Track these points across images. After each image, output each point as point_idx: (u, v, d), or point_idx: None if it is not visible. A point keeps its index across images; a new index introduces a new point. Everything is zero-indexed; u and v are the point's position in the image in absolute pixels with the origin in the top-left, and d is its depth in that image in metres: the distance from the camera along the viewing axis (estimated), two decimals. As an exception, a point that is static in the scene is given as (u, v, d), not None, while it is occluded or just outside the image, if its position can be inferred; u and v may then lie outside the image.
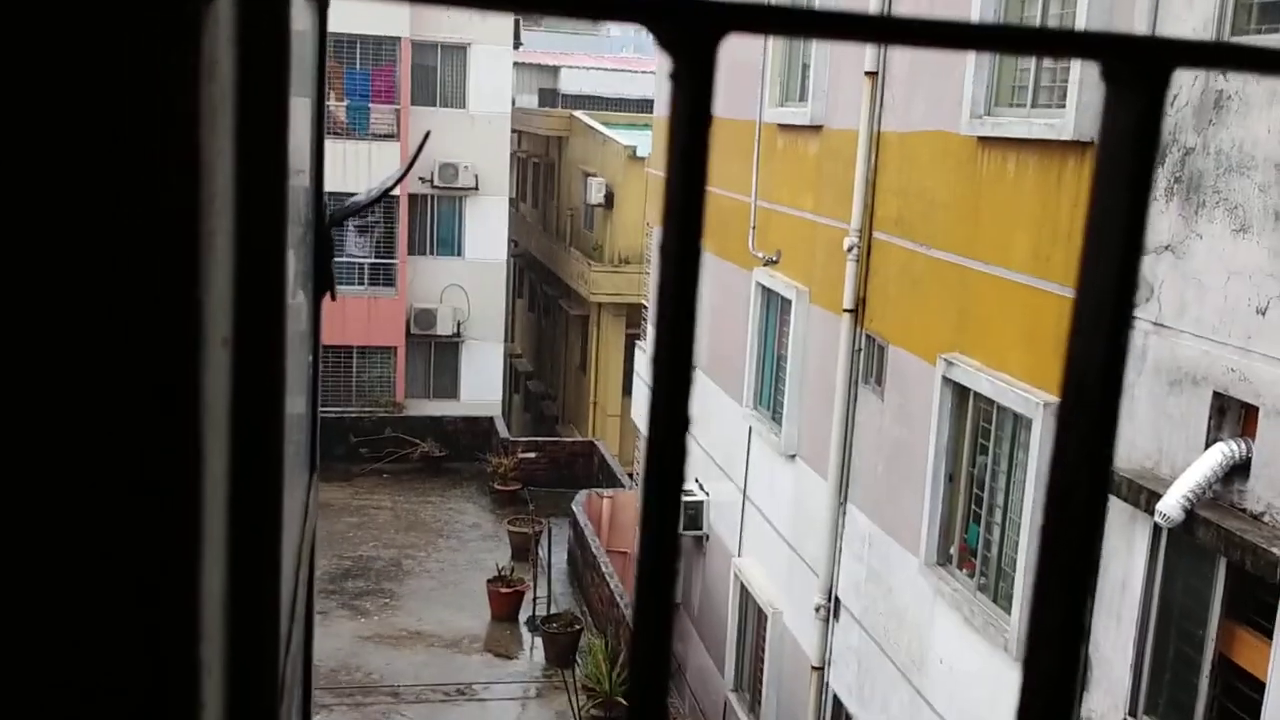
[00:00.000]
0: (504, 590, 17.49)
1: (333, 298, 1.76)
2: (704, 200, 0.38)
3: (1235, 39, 6.19)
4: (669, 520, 0.41)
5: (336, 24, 23.94)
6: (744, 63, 13.28)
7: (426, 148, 27.94)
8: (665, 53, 0.37)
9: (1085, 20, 7.25)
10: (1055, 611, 0.45)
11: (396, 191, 25.13)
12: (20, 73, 0.45)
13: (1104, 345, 0.43)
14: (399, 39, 25.15)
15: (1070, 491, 0.45)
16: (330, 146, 25.95)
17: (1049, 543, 0.45)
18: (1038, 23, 8.08)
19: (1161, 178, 6.63)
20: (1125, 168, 0.42)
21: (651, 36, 0.37)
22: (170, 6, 0.46)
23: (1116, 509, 6.89)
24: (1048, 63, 8.02)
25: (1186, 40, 0.44)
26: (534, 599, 17.26)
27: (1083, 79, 7.27)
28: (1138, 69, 0.42)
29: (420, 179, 25.70)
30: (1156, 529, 6.49)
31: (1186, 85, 6.41)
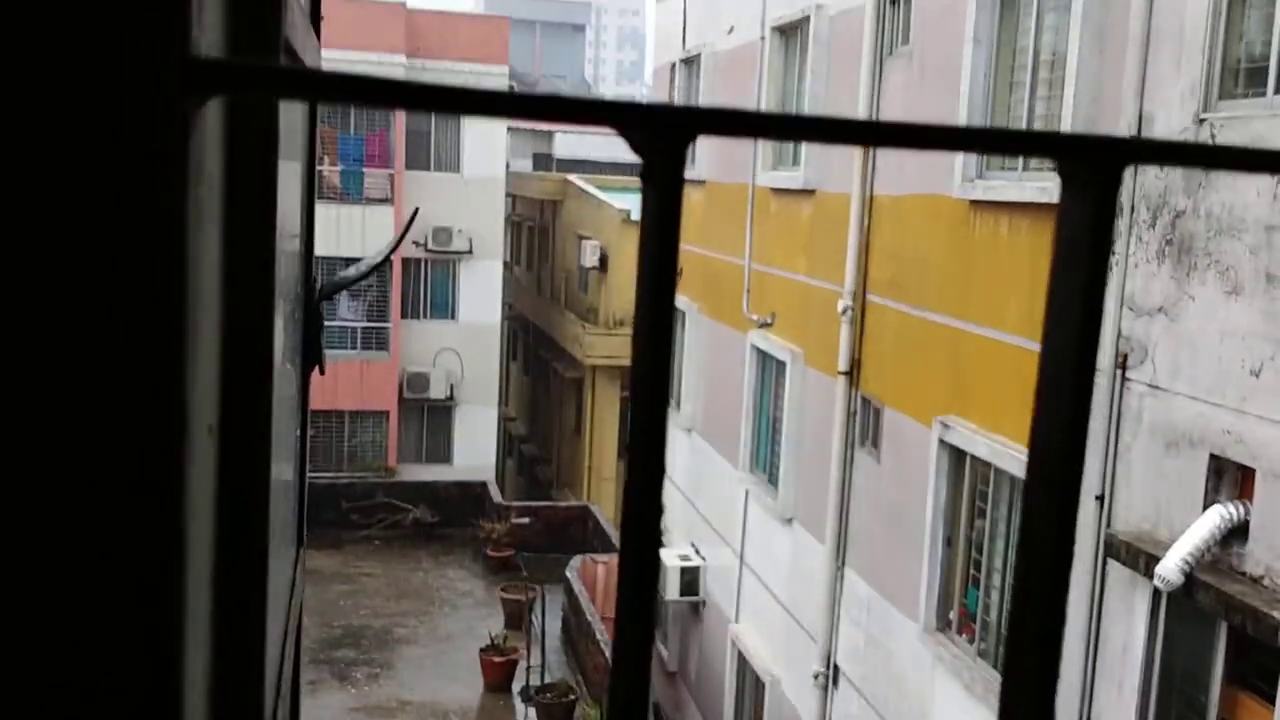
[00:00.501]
0: (497, 659, 17.26)
1: (321, 371, 1.75)
2: (674, 288, 0.40)
3: (1223, 103, 6.26)
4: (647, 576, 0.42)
5: (333, 91, 24.16)
6: (736, 128, 13.41)
7: (421, 212, 28.11)
8: (636, 154, 0.39)
9: (1074, 86, 7.34)
10: (1031, 660, 0.47)
11: (392, 257, 25.24)
12: (13, 168, 0.46)
13: (1063, 439, 0.45)
14: (394, 106, 25.40)
15: (1039, 547, 0.47)
16: (324, 211, 26.15)
17: (1022, 596, 0.47)
18: (1027, 89, 8.18)
19: (1153, 240, 6.67)
20: (1081, 262, 0.44)
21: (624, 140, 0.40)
22: (161, 111, 0.47)
23: (1116, 572, 6.82)
24: (1039, 126, 8.11)
25: (1137, 139, 0.51)
26: (528, 668, 17.02)
27: (1072, 143, 7.33)
28: (1091, 167, 0.44)
29: (414, 243, 25.81)
30: (1156, 593, 6.42)
31: (1175, 149, 6.46)
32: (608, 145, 41.32)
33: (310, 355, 1.74)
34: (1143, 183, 6.76)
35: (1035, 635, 0.47)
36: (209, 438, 0.62)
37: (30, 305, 0.48)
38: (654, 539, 0.42)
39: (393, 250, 2.61)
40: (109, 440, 0.49)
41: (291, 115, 1.51)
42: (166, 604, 0.52)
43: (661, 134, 0.39)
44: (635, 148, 0.39)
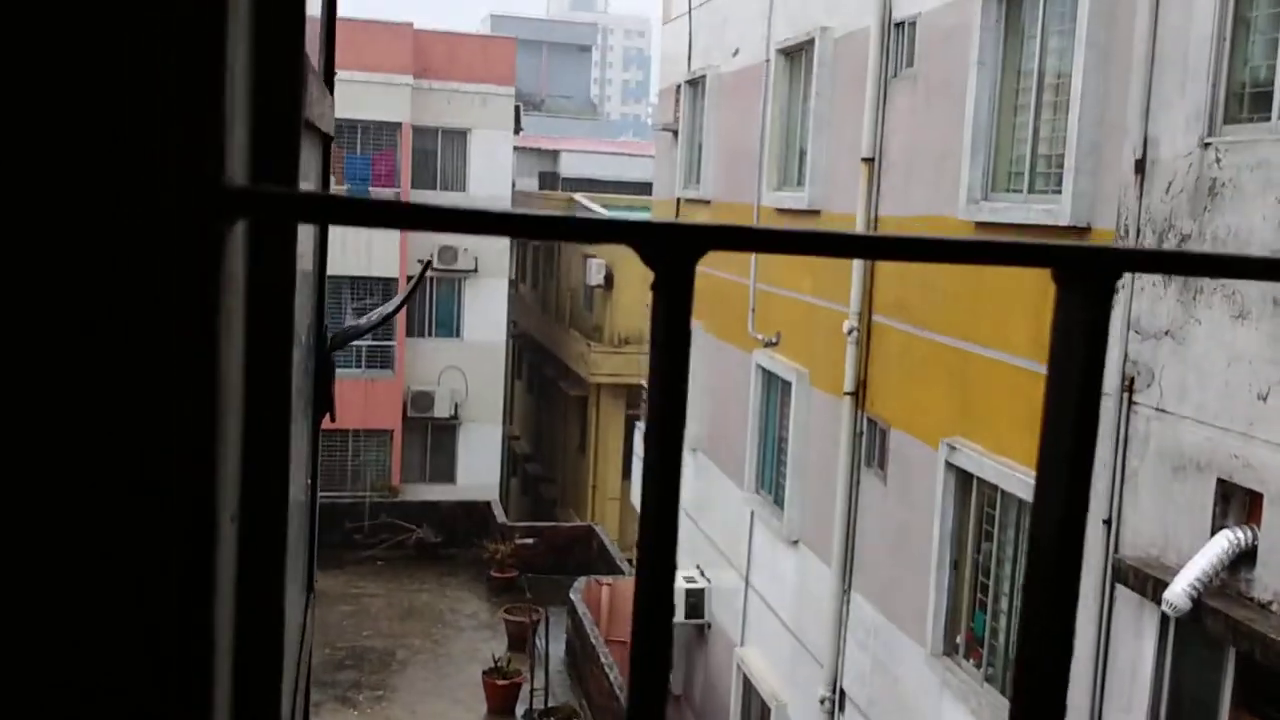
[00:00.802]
0: (500, 682, 17.19)
1: (332, 419, 1.75)
2: (685, 399, 0.41)
3: (1227, 127, 6.26)
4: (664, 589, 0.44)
5: (338, 109, 24.31)
6: (743, 146, 13.45)
7: (427, 231, 28.30)
8: (649, 267, 0.41)
9: (1078, 109, 7.34)
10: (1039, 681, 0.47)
11: (396, 274, 25.29)
12: (56, 278, 0.50)
13: (1058, 548, 0.46)
14: (400, 124, 25.52)
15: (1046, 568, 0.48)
16: (330, 231, 26.25)
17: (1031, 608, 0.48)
18: (1031, 112, 8.18)
19: (1159, 263, 6.65)
20: (1077, 363, 0.45)
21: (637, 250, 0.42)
22: (196, 237, 0.51)
23: (1124, 597, 6.78)
24: (1043, 149, 8.11)
25: (1130, 249, 0.48)
26: (531, 691, 16.95)
27: (1078, 165, 7.33)
28: (1086, 275, 0.45)
29: (419, 261, 25.84)
30: (1164, 618, 6.38)
31: (1181, 172, 6.46)
32: (613, 164, 41.42)
33: (321, 403, 1.75)
34: (1148, 205, 6.75)
35: (1043, 664, 0.48)
36: (231, 525, 0.66)
37: (74, 419, 0.52)
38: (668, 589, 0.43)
39: (404, 303, 2.64)
40: (145, 539, 0.53)
41: (313, 156, 1.51)
42: (196, 689, 0.54)
43: (673, 250, 0.41)
44: (647, 261, 0.41)
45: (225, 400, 0.58)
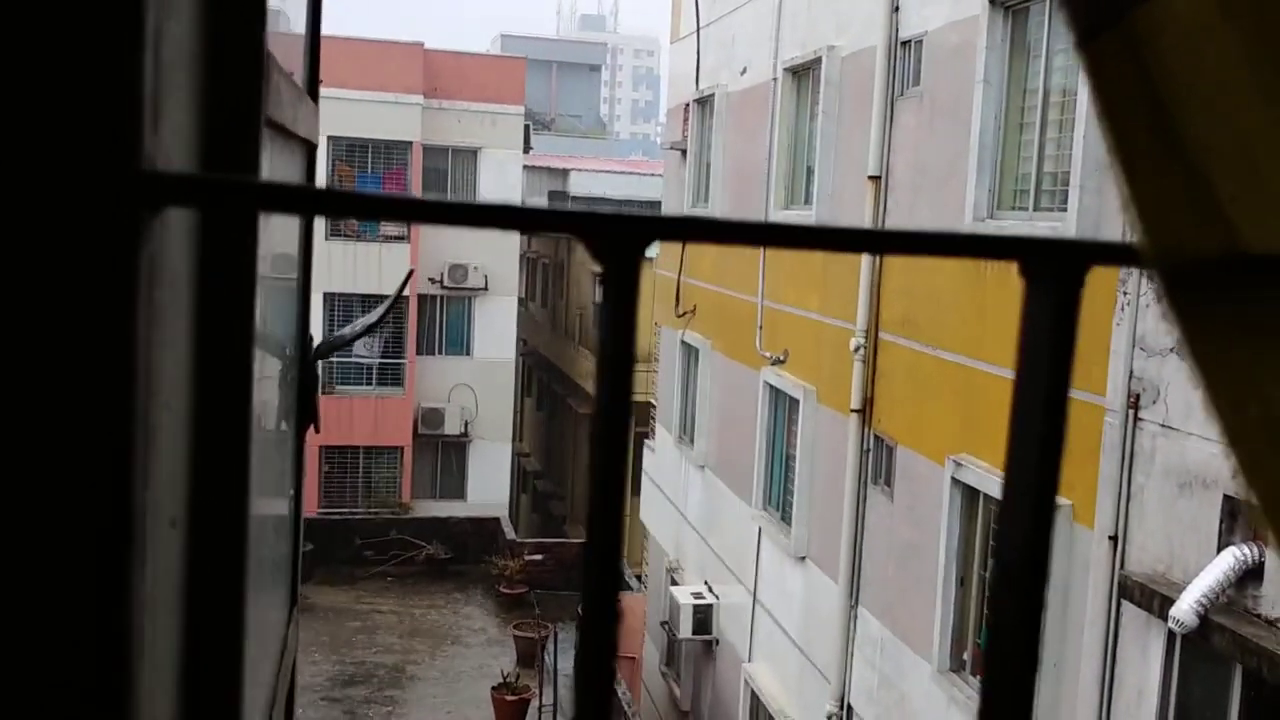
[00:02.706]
0: (509, 698, 17.16)
1: (316, 430, 1.77)
2: (631, 384, 0.41)
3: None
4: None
5: (348, 128, 24.46)
6: (750, 165, 13.51)
7: (437, 249, 28.09)
8: (596, 260, 0.41)
9: (1084, 126, 7.37)
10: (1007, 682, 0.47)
11: (406, 292, 25.36)
12: None
13: (1027, 543, 0.46)
14: (410, 143, 25.65)
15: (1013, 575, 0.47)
16: (341, 248, 26.10)
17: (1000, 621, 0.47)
18: (1037, 129, 8.22)
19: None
20: (1044, 358, 0.44)
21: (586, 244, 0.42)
22: (109, 219, 0.48)
23: (1130, 614, 6.78)
24: (1049, 166, 8.15)
25: (1099, 241, 0.47)
26: (539, 707, 16.92)
27: (1083, 182, 7.37)
28: (1054, 269, 0.44)
29: (430, 279, 25.96)
30: (1171, 635, 6.37)
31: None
32: (623, 183, 41.52)
33: (305, 415, 1.77)
34: (1153, 223, 6.77)
35: (1012, 657, 0.47)
36: (171, 531, 0.63)
37: None
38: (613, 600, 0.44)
39: (387, 311, 2.65)
40: (53, 544, 0.50)
41: (290, 163, 1.54)
42: (115, 698, 0.52)
43: (619, 240, 0.41)
44: (594, 254, 0.41)
45: (156, 398, 0.55)
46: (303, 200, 0.40)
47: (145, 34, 0.51)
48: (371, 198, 0.39)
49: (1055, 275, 0.44)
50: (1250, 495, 0.43)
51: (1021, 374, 0.46)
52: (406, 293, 25.35)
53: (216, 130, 0.77)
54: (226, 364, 0.75)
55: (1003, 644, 0.47)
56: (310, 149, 1.69)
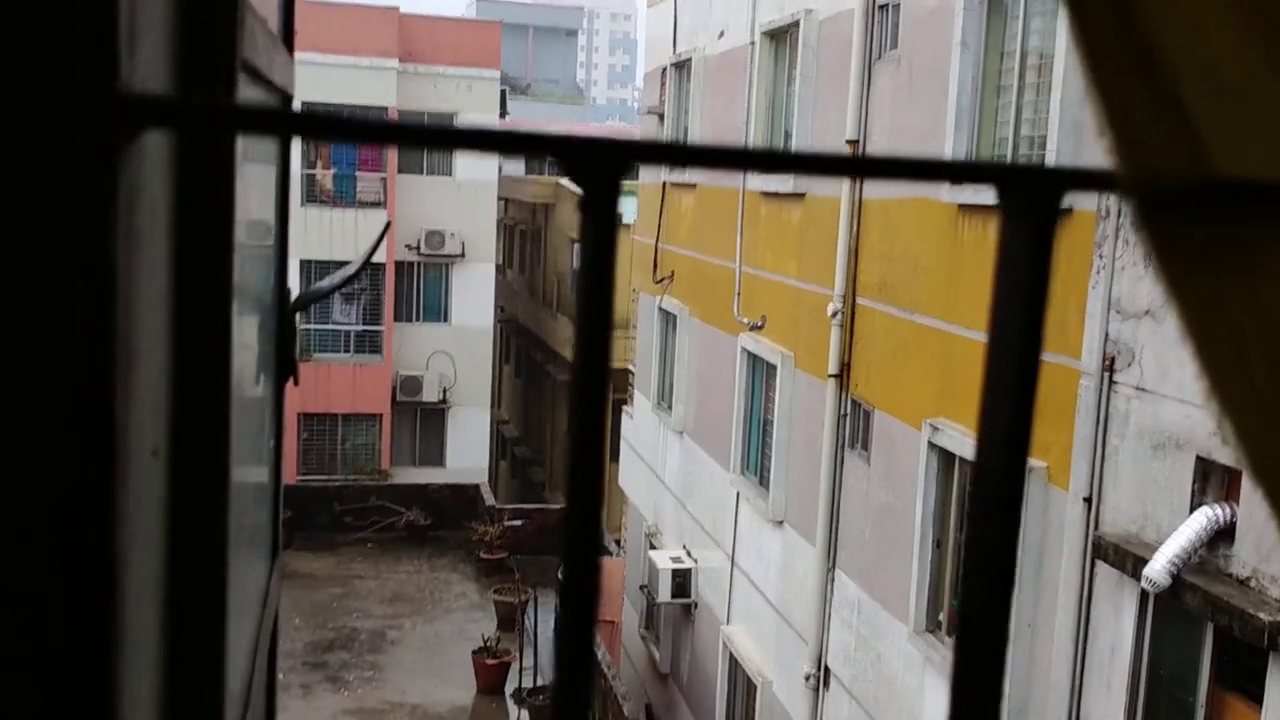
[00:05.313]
0: (490, 661, 17.26)
1: (295, 382, 1.77)
2: (611, 312, 0.41)
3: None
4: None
5: (324, 94, 24.21)
6: (728, 129, 13.46)
7: (414, 216, 27.93)
8: (577, 185, 0.41)
9: (1061, 89, 7.38)
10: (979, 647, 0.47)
11: (383, 259, 25.23)
12: None
13: (1002, 466, 0.47)
14: (386, 109, 25.42)
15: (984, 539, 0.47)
16: (317, 215, 25.87)
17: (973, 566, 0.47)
18: (1015, 92, 8.22)
19: (1139, 243, 6.71)
20: (1021, 289, 0.44)
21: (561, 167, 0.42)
22: (86, 145, 0.48)
23: (1104, 574, 6.86)
24: (1026, 130, 8.15)
25: (1074, 169, 0.46)
26: (520, 670, 17.03)
27: (1060, 146, 7.38)
28: (1030, 196, 0.44)
29: (407, 246, 25.83)
30: (1144, 594, 6.46)
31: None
32: (600, 148, 41.27)
33: (284, 365, 1.76)
34: (1129, 186, 6.79)
35: (984, 613, 0.47)
36: (153, 459, 0.63)
37: None
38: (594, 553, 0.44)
39: (365, 263, 2.63)
40: (35, 465, 0.50)
41: (260, 142, 1.53)
42: (99, 624, 0.52)
43: (599, 164, 0.41)
44: (575, 179, 0.41)
45: (136, 324, 0.55)
46: (278, 122, 0.39)
47: None
48: (347, 121, 0.39)
49: (1032, 202, 0.44)
50: (1221, 416, 0.44)
51: (997, 302, 0.46)
52: (384, 259, 25.22)
53: (191, 67, 0.77)
54: (206, 293, 0.75)
55: (974, 591, 0.47)
56: (286, 100, 1.67)
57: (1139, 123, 0.41)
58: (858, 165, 0.44)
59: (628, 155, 0.42)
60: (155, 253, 0.62)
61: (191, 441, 0.71)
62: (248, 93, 1.00)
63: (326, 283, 2.48)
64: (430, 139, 0.40)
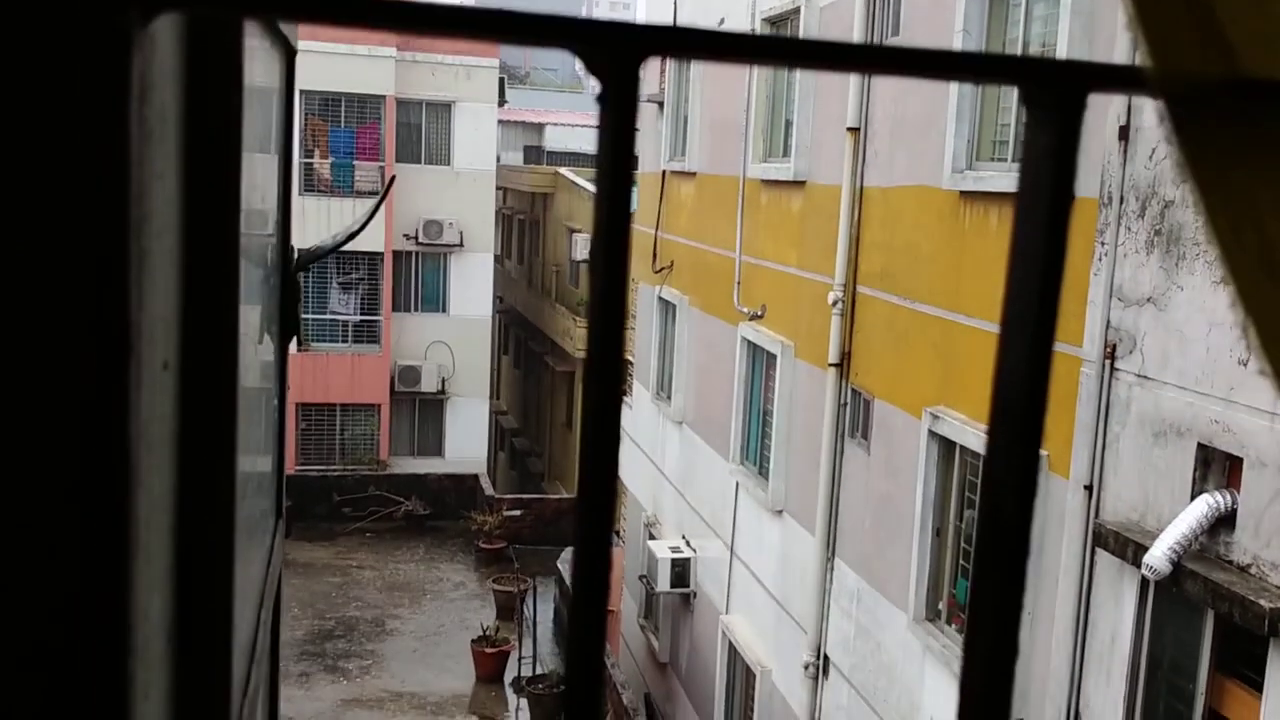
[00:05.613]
0: (489, 650, 17.27)
1: (299, 344, 1.75)
2: (630, 213, 0.40)
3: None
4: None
5: (322, 82, 24.18)
6: (728, 117, 13.42)
7: (412, 205, 27.90)
8: (593, 75, 0.40)
9: (1067, 37, 7.33)
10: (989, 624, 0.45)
11: (381, 249, 25.19)
12: None
13: (1026, 372, 0.45)
14: (384, 97, 25.36)
15: (999, 509, 0.45)
16: (315, 203, 25.88)
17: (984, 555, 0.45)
18: (1020, 39, 8.18)
19: (1142, 230, 6.69)
20: (1046, 189, 0.43)
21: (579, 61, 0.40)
22: (97, 30, 0.48)
23: (1104, 561, 6.85)
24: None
25: (1101, 64, 0.45)
26: (519, 659, 17.04)
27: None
28: (1054, 92, 0.43)
29: (405, 236, 25.79)
30: (1144, 582, 6.45)
31: (1164, 139, 6.48)
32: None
33: (288, 324, 1.75)
34: (1132, 173, 6.78)
35: (996, 600, 0.45)
36: (165, 372, 0.62)
37: None
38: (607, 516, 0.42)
39: (369, 218, 2.62)
40: (50, 361, 0.50)
41: (269, 77, 1.51)
42: (113, 535, 0.51)
43: (620, 50, 0.39)
44: (591, 68, 0.39)
45: (147, 224, 0.54)
46: (289, 4, 0.38)
47: None
48: (357, 1, 0.37)
49: (1056, 98, 0.43)
50: (1247, 324, 0.43)
51: (1021, 207, 0.44)
52: (382, 249, 25.18)
53: None
54: (216, 196, 0.73)
55: (986, 566, 0.45)
56: (290, 55, 1.65)
57: (1170, 22, 0.40)
58: (874, 56, 0.43)
59: (648, 41, 0.40)
60: (165, 154, 0.60)
61: (201, 354, 0.70)
62: (253, 46, 0.99)
63: (329, 240, 2.46)
64: (441, 22, 0.38)
